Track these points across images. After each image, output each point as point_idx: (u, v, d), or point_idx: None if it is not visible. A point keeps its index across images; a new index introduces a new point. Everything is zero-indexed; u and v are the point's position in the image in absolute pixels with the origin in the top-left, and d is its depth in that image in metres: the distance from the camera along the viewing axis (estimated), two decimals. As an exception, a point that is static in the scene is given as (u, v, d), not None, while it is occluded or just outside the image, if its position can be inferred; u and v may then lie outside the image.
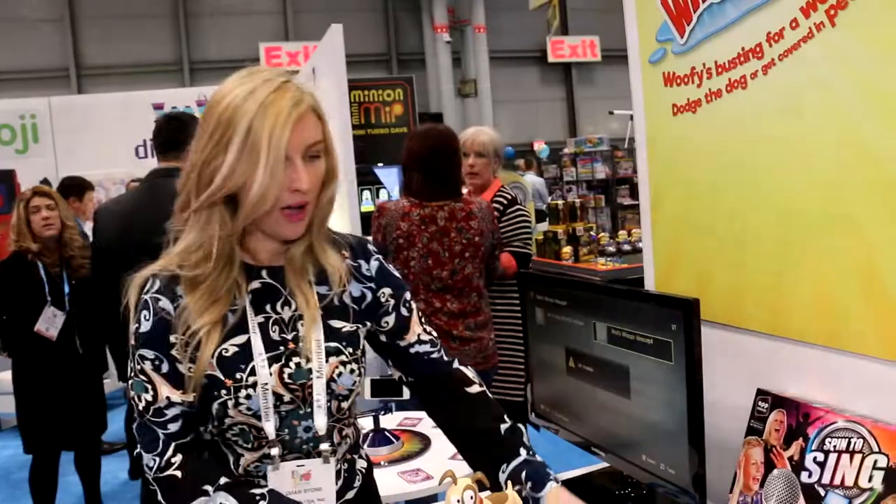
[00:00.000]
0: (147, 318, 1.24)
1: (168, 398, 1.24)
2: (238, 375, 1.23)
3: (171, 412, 1.24)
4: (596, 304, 1.67)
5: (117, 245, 2.96)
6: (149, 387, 1.24)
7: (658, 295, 1.61)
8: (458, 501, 1.13)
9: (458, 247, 2.77)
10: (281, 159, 1.16)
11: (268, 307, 1.29)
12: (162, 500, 1.23)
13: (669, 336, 1.45)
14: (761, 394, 1.50)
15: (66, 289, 3.62)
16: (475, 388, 1.39)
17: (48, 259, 3.58)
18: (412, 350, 1.40)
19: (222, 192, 1.19)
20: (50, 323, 3.55)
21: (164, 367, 1.24)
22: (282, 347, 1.27)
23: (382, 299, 1.38)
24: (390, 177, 6.64)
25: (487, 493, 1.21)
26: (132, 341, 1.25)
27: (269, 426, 1.26)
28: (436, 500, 2.21)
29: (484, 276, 2.93)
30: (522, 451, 1.30)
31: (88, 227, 5.00)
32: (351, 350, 1.31)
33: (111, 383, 5.24)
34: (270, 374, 1.25)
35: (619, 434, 1.65)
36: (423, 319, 1.43)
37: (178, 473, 1.23)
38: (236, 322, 1.25)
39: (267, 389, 1.24)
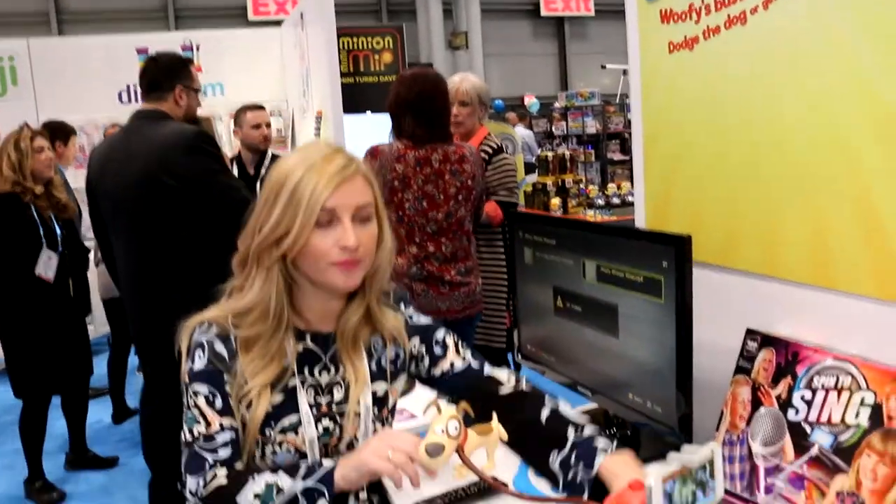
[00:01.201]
0: (201, 356, 1.30)
1: (220, 425, 1.28)
2: (268, 432, 1.30)
3: (221, 438, 1.28)
4: (586, 243, 1.64)
5: (94, 190, 2.96)
6: (201, 419, 1.29)
7: (650, 232, 1.59)
8: (443, 431, 1.12)
9: (452, 189, 2.75)
10: (316, 212, 1.24)
11: (306, 370, 1.35)
12: None
13: (660, 273, 1.43)
14: (751, 333, 1.48)
15: (59, 231, 3.58)
16: (508, 387, 1.43)
17: (42, 202, 3.52)
18: (447, 376, 1.46)
19: (267, 241, 1.27)
20: (47, 266, 3.51)
21: (218, 403, 1.29)
22: (314, 410, 1.34)
23: (414, 351, 1.46)
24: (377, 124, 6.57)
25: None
26: (185, 379, 1.32)
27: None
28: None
29: (472, 221, 2.91)
30: (570, 433, 1.31)
31: (69, 174, 4.96)
32: (382, 410, 1.39)
33: (94, 330, 5.23)
34: (316, 431, 1.32)
35: (605, 373, 1.64)
36: (460, 346, 1.48)
37: (224, 481, 1.25)
38: (277, 380, 1.32)
39: (315, 446, 1.32)
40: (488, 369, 1.46)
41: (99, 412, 4.61)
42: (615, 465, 1.22)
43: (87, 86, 6.13)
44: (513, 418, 1.36)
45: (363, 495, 1.35)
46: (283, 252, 1.27)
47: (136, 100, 6.12)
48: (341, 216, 1.26)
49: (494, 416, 1.25)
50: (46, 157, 3.51)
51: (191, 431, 1.29)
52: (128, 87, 6.20)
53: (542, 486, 1.40)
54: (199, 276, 2.91)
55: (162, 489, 3.48)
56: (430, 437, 1.12)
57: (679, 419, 1.45)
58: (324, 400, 1.35)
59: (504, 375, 1.43)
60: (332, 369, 1.37)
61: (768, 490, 1.34)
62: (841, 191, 1.37)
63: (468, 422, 1.23)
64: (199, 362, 1.30)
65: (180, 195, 2.82)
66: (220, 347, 1.31)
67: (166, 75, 3.05)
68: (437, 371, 1.46)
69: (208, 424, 1.28)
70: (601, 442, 1.28)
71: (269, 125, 4.56)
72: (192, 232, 2.89)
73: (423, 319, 1.48)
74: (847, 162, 1.36)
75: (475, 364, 1.46)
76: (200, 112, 3.46)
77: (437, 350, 1.45)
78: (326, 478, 1.20)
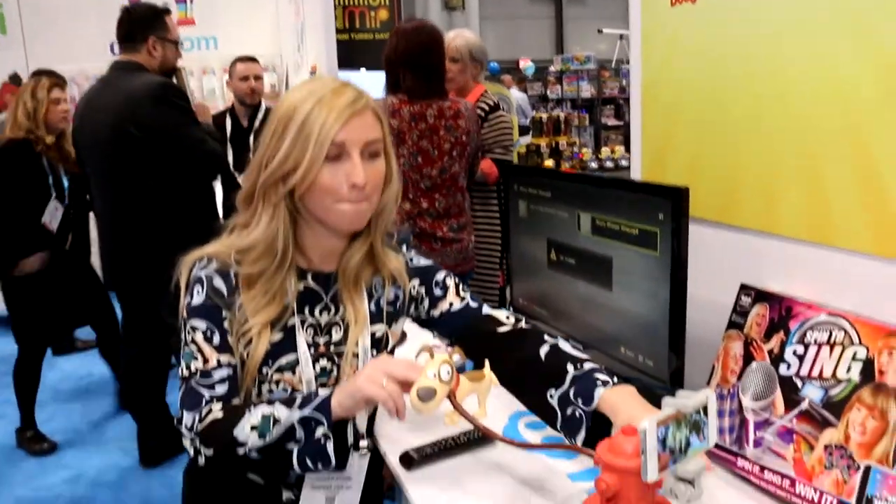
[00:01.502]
0: (200, 292, 1.28)
1: (218, 361, 1.27)
2: (265, 371, 1.29)
3: (218, 374, 1.27)
4: (581, 195, 1.63)
5: (75, 133, 3.04)
6: (198, 356, 1.27)
7: (646, 184, 1.57)
8: (435, 376, 1.11)
9: (447, 145, 2.73)
10: (325, 146, 1.21)
11: (306, 310, 1.34)
12: (203, 450, 1.22)
13: (656, 226, 1.42)
14: (745, 288, 1.48)
15: (66, 183, 3.58)
16: (507, 326, 1.39)
17: (53, 152, 3.51)
18: (445, 316, 1.43)
19: (275, 176, 1.25)
20: (53, 216, 3.52)
21: (216, 339, 1.27)
22: (312, 350, 1.32)
23: (413, 292, 1.43)
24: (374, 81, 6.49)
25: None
26: (183, 314, 1.30)
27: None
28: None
29: (466, 177, 2.90)
30: (570, 368, 1.27)
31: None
32: (380, 352, 1.37)
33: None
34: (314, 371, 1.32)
35: (598, 327, 1.63)
36: (461, 289, 1.45)
37: (220, 415, 1.24)
38: (277, 319, 1.30)
39: (311, 386, 1.31)
40: (487, 309, 1.44)
41: (90, 364, 4.62)
42: (616, 398, 1.19)
43: (78, 35, 6.03)
44: (511, 356, 1.34)
45: (363, 443, 1.33)
46: (290, 188, 1.25)
47: (127, 51, 6.04)
48: (350, 151, 1.24)
49: (487, 363, 1.25)
50: (63, 109, 3.48)
51: (188, 367, 1.27)
52: (120, 37, 6.11)
53: (532, 438, 1.41)
54: (169, 224, 2.97)
55: (150, 439, 3.51)
56: (422, 381, 1.11)
57: (671, 373, 1.45)
58: (322, 340, 1.34)
59: (503, 315, 1.41)
60: (333, 309, 1.36)
61: (757, 444, 1.35)
62: (840, 148, 1.36)
63: (461, 368, 1.23)
64: (198, 297, 1.28)
65: (146, 146, 2.89)
66: (219, 283, 1.29)
67: (139, 27, 3.04)
68: (436, 312, 1.44)
69: (205, 360, 1.27)
70: (601, 375, 1.25)
71: (258, 78, 4.51)
72: (160, 181, 2.96)
73: (424, 261, 1.46)
74: (847, 118, 1.34)
75: (473, 304, 1.44)
76: (187, 64, 3.48)
77: (437, 291, 1.43)
78: (323, 405, 1.18)
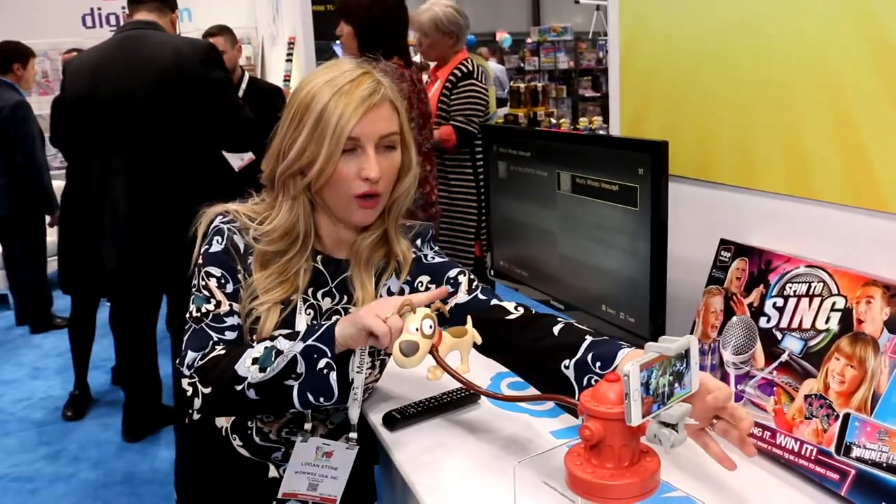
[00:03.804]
0: (220, 242, 1.30)
1: (231, 306, 1.27)
2: None
3: (230, 321, 1.27)
4: (561, 154, 1.63)
5: (87, 98, 2.81)
6: (212, 300, 1.27)
7: (626, 139, 1.57)
8: (417, 330, 1.11)
9: None
10: (342, 142, 1.22)
11: (310, 292, 1.34)
12: (201, 388, 1.20)
13: (636, 181, 1.42)
14: (724, 243, 1.48)
15: None
16: (517, 313, 1.31)
17: None
18: (453, 310, 1.35)
19: (292, 168, 1.26)
20: None
21: (229, 287, 1.28)
22: None
23: (422, 289, 1.39)
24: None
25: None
26: (199, 261, 1.30)
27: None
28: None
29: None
30: (587, 337, 1.19)
31: (33, 100, 4.82)
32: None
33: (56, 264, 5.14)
34: None
35: (579, 287, 1.64)
36: (474, 285, 1.38)
37: (221, 352, 1.23)
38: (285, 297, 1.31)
39: None
40: (496, 301, 1.36)
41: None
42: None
43: (49, 7, 5.92)
44: (522, 338, 1.27)
45: (353, 435, 1.33)
46: (308, 182, 1.27)
47: (100, 24, 5.91)
48: (365, 145, 1.25)
49: (469, 319, 1.24)
50: None
51: (199, 309, 1.27)
52: (92, 10, 5.98)
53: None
54: (200, 192, 2.85)
55: (137, 413, 3.51)
56: (405, 335, 1.10)
57: (652, 330, 1.46)
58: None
59: (511, 306, 1.33)
60: (336, 297, 1.36)
61: (738, 397, 1.36)
62: (817, 101, 1.36)
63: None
64: (217, 246, 1.29)
65: (192, 104, 2.75)
66: (238, 240, 1.31)
67: None
68: (446, 308, 1.36)
69: (218, 304, 1.27)
70: (624, 343, 1.16)
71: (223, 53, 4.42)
72: (196, 144, 2.83)
73: (439, 259, 1.43)
74: (824, 72, 1.34)
75: (483, 296, 1.36)
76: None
77: (449, 289, 1.38)
78: (327, 335, 1.16)
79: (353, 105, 1.22)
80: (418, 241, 1.44)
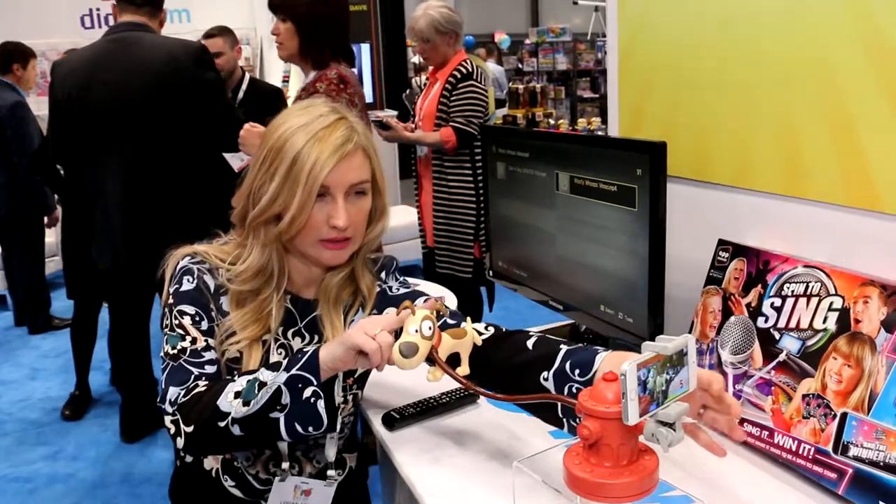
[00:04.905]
0: (191, 281, 1.30)
1: (207, 341, 1.27)
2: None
3: (208, 355, 1.26)
4: (559, 154, 1.63)
5: (79, 99, 2.80)
6: (187, 337, 1.26)
7: (624, 140, 1.58)
8: (417, 331, 1.11)
9: None
10: (315, 193, 1.22)
11: (280, 332, 1.34)
12: (183, 427, 1.18)
13: (634, 182, 1.42)
14: (722, 244, 1.49)
15: None
16: (488, 333, 1.29)
17: None
18: None
19: (265, 215, 1.26)
20: None
21: (204, 325, 1.28)
22: None
23: None
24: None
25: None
26: (170, 300, 1.29)
27: (283, 445, 1.34)
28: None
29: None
30: (562, 347, 1.18)
31: (31, 101, 4.81)
32: (346, 378, 1.22)
33: (54, 265, 5.16)
34: None
35: (578, 287, 1.64)
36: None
37: (203, 389, 1.21)
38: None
39: None
40: (466, 324, 1.32)
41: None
42: (619, 359, 1.07)
43: (48, 8, 5.91)
44: (497, 356, 1.24)
45: (331, 472, 1.34)
46: (280, 231, 1.27)
47: (99, 24, 5.91)
48: (335, 194, 1.25)
49: (468, 319, 1.24)
50: None
51: (174, 348, 1.26)
52: (90, 10, 5.98)
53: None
54: (192, 200, 2.88)
55: (134, 414, 3.51)
56: (405, 337, 1.10)
57: (651, 330, 1.46)
58: None
59: (482, 326, 1.31)
60: (306, 337, 1.36)
61: (736, 396, 1.36)
62: (814, 101, 1.36)
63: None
64: (188, 285, 1.29)
65: (186, 107, 2.77)
66: (209, 280, 1.30)
67: None
68: (447, 310, 1.33)
69: (194, 341, 1.26)
70: (599, 348, 1.16)
71: (216, 55, 4.39)
72: (190, 145, 2.85)
73: (404, 290, 1.42)
74: (822, 73, 1.34)
75: (451, 320, 1.32)
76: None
77: (444, 297, 1.40)
78: (311, 362, 1.13)
79: (326, 153, 1.22)
80: (382, 274, 1.44)
